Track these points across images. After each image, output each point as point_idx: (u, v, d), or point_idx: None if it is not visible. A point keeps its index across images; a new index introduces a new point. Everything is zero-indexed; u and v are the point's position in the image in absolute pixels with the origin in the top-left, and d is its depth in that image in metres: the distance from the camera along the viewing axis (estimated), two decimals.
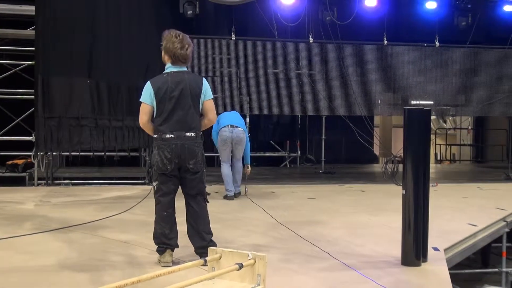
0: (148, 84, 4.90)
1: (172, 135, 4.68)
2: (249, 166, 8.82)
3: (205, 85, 4.84)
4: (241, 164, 8.67)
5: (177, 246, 4.79)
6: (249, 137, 9.03)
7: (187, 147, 4.67)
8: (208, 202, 4.91)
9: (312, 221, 6.86)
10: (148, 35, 10.10)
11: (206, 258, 3.26)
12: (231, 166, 8.64)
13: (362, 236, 5.93)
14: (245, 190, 8.86)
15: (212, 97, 4.88)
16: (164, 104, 4.75)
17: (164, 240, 4.73)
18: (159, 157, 4.70)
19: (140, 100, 4.90)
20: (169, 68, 4.86)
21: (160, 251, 4.77)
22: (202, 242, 4.72)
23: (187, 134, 4.68)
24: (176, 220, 4.85)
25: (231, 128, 8.44)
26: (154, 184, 4.84)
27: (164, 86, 4.79)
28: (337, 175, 12.37)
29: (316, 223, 6.77)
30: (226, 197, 8.57)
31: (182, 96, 4.72)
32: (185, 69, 4.86)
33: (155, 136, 4.77)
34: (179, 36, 4.86)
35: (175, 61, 4.81)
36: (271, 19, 10.70)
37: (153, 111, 4.81)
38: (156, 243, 4.80)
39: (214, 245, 4.60)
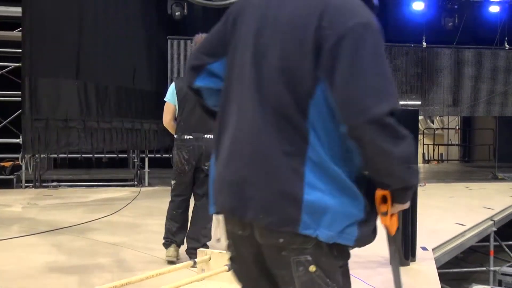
0: (173, 83, 4.98)
1: (191, 136, 4.74)
2: None
3: None
4: None
5: (182, 243, 4.82)
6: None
7: (204, 148, 4.70)
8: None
9: None
10: (135, 36, 10.09)
11: (196, 259, 3.26)
12: None
13: None
14: None
15: None
16: (184, 105, 4.79)
17: (169, 236, 4.80)
18: (177, 157, 4.77)
19: (165, 99, 4.99)
20: None
21: (165, 244, 4.82)
22: (196, 243, 4.70)
23: (205, 136, 4.71)
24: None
25: None
26: (172, 182, 4.91)
27: (183, 85, 4.80)
28: None
29: None
30: None
31: (190, 98, 4.68)
32: None
33: (175, 136, 4.85)
34: (202, 37, 4.83)
35: None
36: None
37: (176, 111, 4.87)
38: (163, 238, 4.86)
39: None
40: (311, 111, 1.74)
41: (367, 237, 1.85)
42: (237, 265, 2.01)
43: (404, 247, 4.81)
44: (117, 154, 10.40)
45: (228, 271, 3.13)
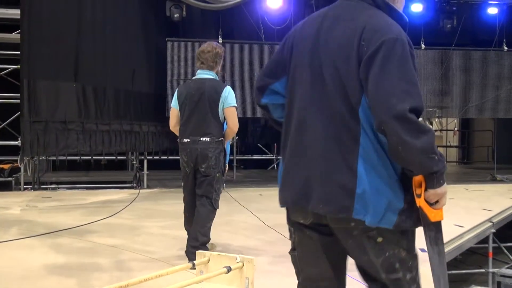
0: (177, 88, 5.13)
1: (188, 140, 4.86)
2: (227, 166, 9.01)
3: (225, 92, 4.87)
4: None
5: None
6: (236, 140, 9.16)
7: (200, 151, 4.81)
8: (215, 207, 4.95)
9: None
10: (134, 38, 10.10)
11: (195, 261, 3.26)
12: None
13: None
14: None
15: (233, 104, 4.87)
16: (184, 109, 4.92)
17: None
18: (180, 160, 4.96)
19: (171, 104, 5.13)
20: (197, 74, 5.02)
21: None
22: (194, 242, 4.79)
23: (201, 139, 4.81)
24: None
25: None
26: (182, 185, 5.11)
27: (185, 91, 4.97)
28: None
29: None
30: None
31: (201, 101, 4.85)
32: (209, 75, 4.96)
33: (178, 139, 4.96)
34: (210, 43, 5.07)
35: (198, 64, 5.00)
36: (258, 23, 10.71)
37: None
38: None
39: (205, 249, 4.60)
40: (360, 116, 2.13)
41: (405, 223, 2.20)
42: (300, 251, 2.40)
43: None
44: (116, 156, 10.40)
45: (227, 273, 3.13)
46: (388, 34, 2.11)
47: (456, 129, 18.68)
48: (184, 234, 6.20)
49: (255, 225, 6.76)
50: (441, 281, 2.31)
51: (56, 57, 8.88)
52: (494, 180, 12.02)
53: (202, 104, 4.85)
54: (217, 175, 4.90)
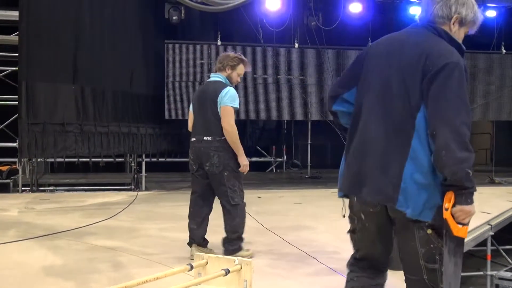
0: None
1: (194, 139, 5.11)
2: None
3: (223, 92, 4.99)
4: None
5: (200, 241, 5.12)
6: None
7: (203, 150, 5.01)
8: (234, 203, 5.05)
9: (298, 226, 6.87)
10: (133, 40, 10.10)
11: (193, 263, 3.25)
12: None
13: (348, 241, 5.93)
14: None
15: (229, 104, 4.97)
16: (194, 110, 5.22)
17: (190, 234, 5.15)
18: (188, 158, 5.17)
19: None
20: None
21: (189, 243, 5.16)
22: (228, 235, 5.11)
23: (204, 138, 5.02)
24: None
25: None
26: None
27: (196, 93, 5.29)
28: (323, 179, 12.41)
29: (303, 228, 6.78)
30: None
31: (204, 102, 5.08)
32: (217, 78, 5.16)
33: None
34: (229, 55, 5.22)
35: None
36: (256, 25, 10.72)
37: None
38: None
39: (237, 243, 5.06)
40: (417, 122, 2.55)
41: (439, 221, 2.54)
42: (359, 234, 2.87)
43: None
44: (114, 158, 10.39)
45: (225, 275, 3.12)
46: (450, 59, 2.56)
47: None
48: (182, 236, 6.20)
49: (253, 227, 6.75)
50: (451, 286, 2.59)
51: (54, 59, 8.87)
52: (492, 182, 12.02)
53: (205, 104, 5.06)
54: (225, 173, 4.99)
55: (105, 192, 10.04)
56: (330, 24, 10.80)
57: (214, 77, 5.16)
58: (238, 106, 5.03)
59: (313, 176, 12.96)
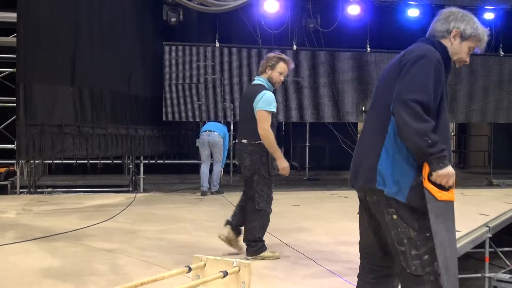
0: None
1: (236, 141, 5.35)
2: (221, 170, 10.04)
3: (259, 96, 5.05)
4: (219, 167, 9.71)
5: (231, 223, 5.31)
6: (233, 144, 9.98)
7: (239, 152, 5.21)
8: (257, 207, 5.12)
9: (297, 228, 6.86)
10: (131, 42, 10.10)
11: (191, 265, 3.25)
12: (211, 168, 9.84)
13: (346, 242, 5.94)
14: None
15: (263, 108, 5.02)
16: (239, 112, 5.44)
17: (232, 215, 5.38)
18: None
19: None
20: None
21: (224, 223, 5.36)
22: (245, 236, 5.20)
23: (242, 141, 5.17)
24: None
25: (209, 133, 9.65)
26: None
27: (241, 96, 5.50)
28: (321, 181, 12.41)
29: (301, 230, 6.77)
30: (201, 193, 9.69)
31: (243, 105, 5.24)
32: (258, 81, 5.23)
33: None
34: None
35: None
36: (255, 27, 10.72)
37: None
38: None
39: (256, 245, 5.12)
40: (391, 109, 2.82)
41: (415, 200, 2.80)
42: (360, 221, 3.23)
43: None
44: (112, 160, 10.38)
45: (223, 277, 3.12)
46: (418, 52, 2.90)
47: (452, 133, 18.72)
48: (180, 238, 6.21)
49: None
50: (447, 250, 2.82)
51: (52, 60, 8.87)
52: (490, 184, 12.03)
53: (243, 108, 5.21)
54: (255, 177, 5.07)
55: (103, 194, 10.01)
56: (328, 26, 10.81)
57: (256, 80, 5.23)
58: (274, 110, 5.07)
59: (312, 178, 12.95)
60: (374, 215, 3.03)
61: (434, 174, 2.74)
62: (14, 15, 8.99)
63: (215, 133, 9.66)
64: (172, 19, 10.20)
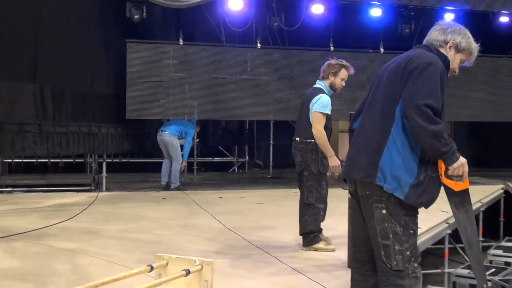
0: None
1: (293, 138, 5.71)
2: (184, 162, 10.40)
3: (315, 98, 5.46)
4: (175, 164, 9.95)
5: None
6: (197, 142, 10.52)
7: (293, 149, 5.65)
8: (307, 201, 5.51)
9: (260, 226, 6.89)
10: (93, 39, 9.97)
11: (153, 264, 3.23)
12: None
13: None
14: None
15: (318, 110, 5.40)
16: None
17: None
18: None
19: None
20: None
21: None
22: (300, 230, 5.63)
23: (296, 139, 5.65)
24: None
25: (160, 132, 10.06)
26: None
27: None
28: (285, 179, 12.46)
29: (265, 228, 6.80)
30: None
31: (302, 105, 5.65)
32: (318, 84, 5.63)
33: None
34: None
35: None
36: (219, 25, 10.70)
37: None
38: None
39: (308, 236, 5.52)
40: (397, 112, 3.08)
41: (414, 197, 3.05)
42: (351, 215, 3.49)
43: None
44: (74, 159, 10.23)
45: (186, 276, 3.11)
46: (425, 59, 3.11)
47: None
48: (143, 237, 6.17)
49: (216, 228, 6.75)
50: (468, 229, 3.18)
51: (13, 58, 8.70)
52: None
53: (302, 108, 5.63)
54: (305, 173, 5.47)
55: (65, 193, 9.84)
56: (293, 25, 10.85)
57: (317, 83, 5.63)
58: (329, 112, 5.42)
59: (275, 176, 13.00)
60: (361, 208, 3.21)
61: (451, 168, 3.02)
62: None
63: (166, 132, 10.01)
64: (136, 16, 10.09)
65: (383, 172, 3.04)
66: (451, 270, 7.40)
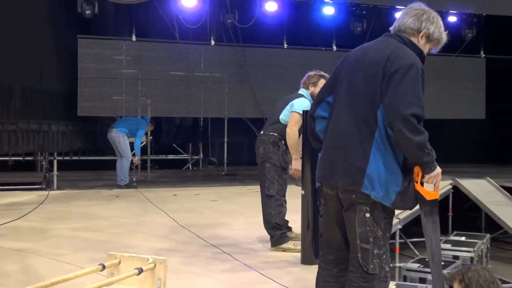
0: None
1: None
2: (137, 156, 10.45)
3: (296, 100, 5.48)
4: (124, 161, 9.93)
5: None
6: (150, 139, 10.70)
7: (256, 143, 5.62)
8: (268, 193, 5.43)
9: (214, 224, 6.89)
10: (43, 35, 9.77)
11: (105, 263, 3.19)
12: None
13: (264, 237, 6.02)
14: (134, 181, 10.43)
15: (297, 111, 5.37)
16: None
17: None
18: None
19: None
20: None
21: None
22: (265, 227, 5.50)
23: (260, 132, 5.69)
24: None
25: (109, 129, 10.05)
26: None
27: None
28: (239, 177, 12.48)
29: (219, 225, 6.80)
30: None
31: (277, 105, 5.79)
32: (302, 91, 5.66)
33: None
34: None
35: None
36: (172, 21, 10.62)
37: None
38: None
39: (275, 234, 5.40)
40: (378, 116, 2.97)
41: (400, 203, 3.01)
42: (324, 217, 3.33)
43: (314, 247, 4.94)
44: (23, 157, 10.01)
45: (138, 274, 3.09)
46: (406, 60, 2.97)
47: None
48: (95, 236, 6.09)
49: (169, 225, 6.72)
50: (433, 240, 3.12)
51: None
52: None
53: (276, 107, 5.76)
54: (267, 165, 5.45)
55: (14, 192, 9.61)
56: (246, 22, 10.87)
57: (300, 90, 5.67)
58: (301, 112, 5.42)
59: (230, 174, 13.00)
60: (341, 210, 3.13)
61: (427, 177, 3.00)
62: None
63: (114, 129, 9.96)
64: (87, 12, 9.92)
65: (370, 179, 2.95)
66: (401, 264, 7.55)
